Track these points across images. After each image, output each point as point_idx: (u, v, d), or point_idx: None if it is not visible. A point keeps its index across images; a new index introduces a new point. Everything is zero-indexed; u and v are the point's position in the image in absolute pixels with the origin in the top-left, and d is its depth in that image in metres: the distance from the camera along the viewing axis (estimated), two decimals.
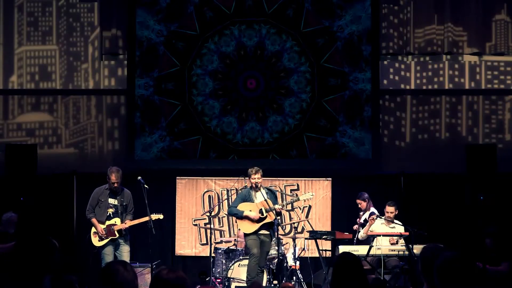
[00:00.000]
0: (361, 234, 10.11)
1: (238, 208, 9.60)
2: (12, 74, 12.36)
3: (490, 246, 9.49)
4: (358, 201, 10.62)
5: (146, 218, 9.51)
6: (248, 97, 12.11)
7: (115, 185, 9.52)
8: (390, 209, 10.06)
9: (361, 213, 10.63)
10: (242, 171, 10.06)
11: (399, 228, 9.94)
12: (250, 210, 9.54)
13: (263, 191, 9.63)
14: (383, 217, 10.07)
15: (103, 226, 9.51)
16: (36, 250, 3.72)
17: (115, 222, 9.53)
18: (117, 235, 9.50)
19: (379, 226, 10.08)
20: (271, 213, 9.49)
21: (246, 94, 12.11)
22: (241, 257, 10.17)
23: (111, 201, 9.58)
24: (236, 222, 10.04)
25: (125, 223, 9.53)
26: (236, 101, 12.10)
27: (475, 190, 10.03)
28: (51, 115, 12.33)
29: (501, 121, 12.25)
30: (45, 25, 12.37)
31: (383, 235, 9.62)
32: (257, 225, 9.53)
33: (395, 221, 10.09)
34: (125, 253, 9.50)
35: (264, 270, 9.70)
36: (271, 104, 12.08)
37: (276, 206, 9.64)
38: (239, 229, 10.05)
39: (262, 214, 9.51)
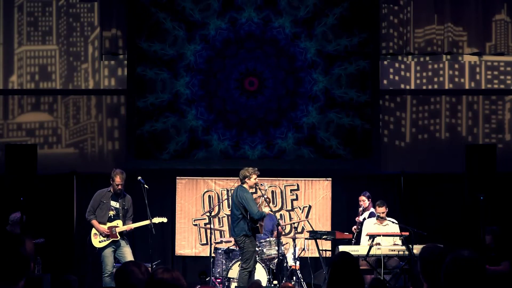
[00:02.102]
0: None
1: None
2: (12, 74, 12.35)
3: (490, 246, 9.49)
4: (361, 197, 10.63)
5: (148, 222, 9.46)
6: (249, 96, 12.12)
7: (119, 187, 9.44)
8: (381, 210, 10.10)
9: (360, 210, 10.63)
10: None
11: (392, 226, 9.98)
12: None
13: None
14: (375, 216, 10.12)
15: (105, 227, 9.46)
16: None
17: (117, 224, 9.48)
18: (119, 237, 9.45)
19: (372, 226, 10.10)
20: None
21: (247, 93, 12.12)
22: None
23: (113, 203, 9.52)
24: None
25: (129, 225, 9.49)
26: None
27: (474, 190, 10.01)
28: (51, 115, 12.32)
29: (501, 121, 12.25)
30: (45, 25, 12.37)
31: (384, 235, 9.62)
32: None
33: (388, 218, 10.11)
34: (128, 253, 9.45)
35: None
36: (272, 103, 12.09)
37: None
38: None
39: None
